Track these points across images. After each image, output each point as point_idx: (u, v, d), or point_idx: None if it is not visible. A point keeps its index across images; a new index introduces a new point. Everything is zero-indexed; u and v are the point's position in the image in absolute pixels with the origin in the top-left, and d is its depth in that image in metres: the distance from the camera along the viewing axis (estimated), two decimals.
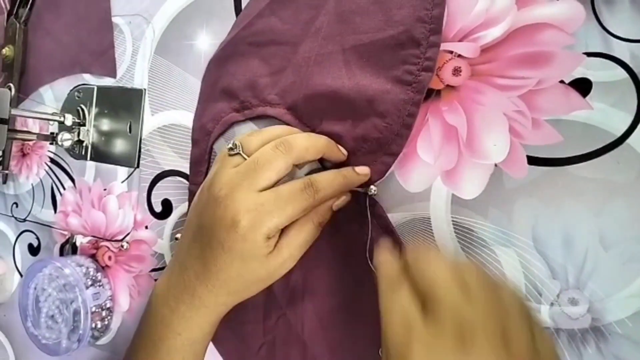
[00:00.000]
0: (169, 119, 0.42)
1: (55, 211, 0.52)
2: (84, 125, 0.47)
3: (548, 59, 0.28)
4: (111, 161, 0.47)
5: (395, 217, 0.33)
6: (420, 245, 0.32)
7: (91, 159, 0.48)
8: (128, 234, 0.45)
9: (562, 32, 0.27)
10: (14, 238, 0.56)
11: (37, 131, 0.52)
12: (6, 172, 0.56)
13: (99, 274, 0.46)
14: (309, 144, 0.31)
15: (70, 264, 0.45)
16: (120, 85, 0.46)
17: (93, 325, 0.44)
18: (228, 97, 0.38)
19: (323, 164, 0.34)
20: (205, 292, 0.31)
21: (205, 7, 0.40)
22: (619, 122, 0.27)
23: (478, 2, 0.29)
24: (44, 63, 0.53)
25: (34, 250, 0.54)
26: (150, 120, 0.44)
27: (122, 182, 0.46)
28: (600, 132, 0.27)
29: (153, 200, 0.44)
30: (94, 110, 0.47)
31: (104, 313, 0.45)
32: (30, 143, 0.54)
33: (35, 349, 0.48)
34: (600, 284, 0.27)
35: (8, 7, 0.55)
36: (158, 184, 0.43)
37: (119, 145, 0.46)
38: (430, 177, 0.31)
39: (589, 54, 0.27)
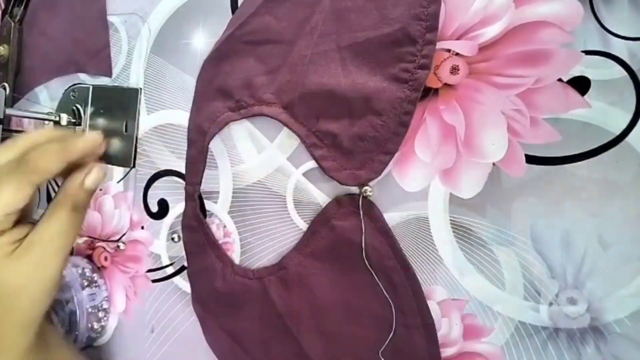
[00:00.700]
0: (165, 118, 0.42)
1: None
2: (79, 124, 0.47)
3: (546, 57, 0.28)
4: (107, 161, 0.46)
5: (392, 217, 0.32)
6: None
7: None
8: (124, 235, 0.45)
9: (561, 30, 0.27)
10: None
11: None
12: None
13: (95, 274, 0.46)
14: (37, 136, 0.28)
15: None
16: (116, 84, 0.46)
17: (89, 326, 0.44)
18: (223, 97, 0.38)
19: None
20: None
21: (201, 5, 0.40)
22: (618, 121, 0.26)
23: (476, 0, 0.29)
24: (39, 62, 0.52)
25: None
26: (146, 120, 0.43)
27: (118, 182, 0.46)
28: (599, 131, 0.27)
29: (149, 200, 0.43)
30: (89, 109, 0.47)
31: (100, 314, 0.45)
32: None
33: None
34: (599, 283, 0.27)
35: (3, 6, 0.55)
36: (154, 184, 0.43)
37: (115, 145, 0.45)
38: (428, 176, 0.31)
39: (588, 52, 0.27)
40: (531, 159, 0.28)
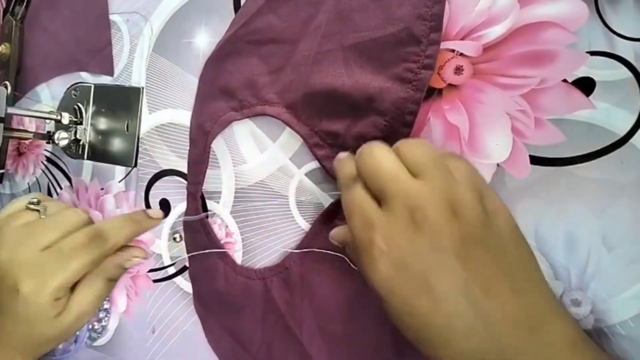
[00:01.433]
0: (167, 117, 0.42)
1: None
2: (81, 123, 0.47)
3: (551, 58, 0.28)
4: (108, 160, 0.46)
5: None
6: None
7: (88, 158, 0.47)
8: None
9: (565, 30, 0.27)
10: None
11: (33, 130, 0.52)
12: (2, 171, 0.55)
13: None
14: (120, 237, 0.30)
15: None
16: (118, 83, 0.46)
17: (90, 326, 0.44)
18: (226, 96, 0.37)
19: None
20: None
21: (203, 4, 0.40)
22: (623, 122, 0.26)
23: (480, 1, 0.29)
24: (40, 61, 0.52)
25: None
26: (148, 119, 0.43)
27: (120, 181, 0.46)
28: (604, 132, 0.27)
29: (151, 199, 0.43)
30: (91, 108, 0.47)
31: (101, 314, 0.45)
32: (27, 142, 0.54)
33: None
34: (603, 285, 0.27)
35: (4, 5, 0.55)
36: (156, 184, 0.43)
37: (117, 144, 0.45)
38: None
39: (592, 53, 0.27)
40: (535, 160, 0.28)
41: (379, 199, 0.25)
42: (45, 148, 0.52)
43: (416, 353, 0.32)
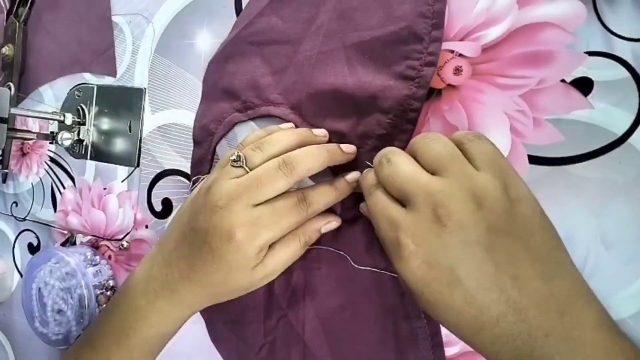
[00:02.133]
0: (169, 118, 0.42)
1: (55, 210, 0.52)
2: (83, 124, 0.47)
3: (549, 58, 0.28)
4: (111, 160, 0.46)
5: None
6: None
7: (91, 158, 0.48)
8: (128, 233, 0.45)
9: (563, 31, 0.27)
10: (14, 237, 0.56)
11: (36, 130, 0.52)
12: (6, 171, 0.55)
13: (97, 256, 0.46)
14: (311, 164, 0.30)
15: (68, 251, 0.45)
16: (121, 84, 0.46)
17: (99, 309, 0.44)
18: (230, 97, 0.38)
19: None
20: (186, 291, 0.31)
21: (205, 6, 0.40)
22: (621, 122, 0.27)
23: (479, 2, 0.29)
24: (43, 62, 0.52)
25: (33, 249, 0.54)
26: (151, 119, 0.44)
27: (122, 181, 0.46)
28: (602, 132, 0.27)
29: (153, 199, 0.44)
30: (94, 109, 0.47)
31: (109, 293, 0.45)
32: (30, 142, 0.54)
33: (35, 348, 0.48)
34: (601, 284, 0.27)
35: (8, 6, 0.55)
36: (158, 183, 0.43)
37: (119, 144, 0.46)
38: None
39: (591, 53, 0.27)
40: (534, 160, 0.29)
41: (402, 201, 0.26)
42: (49, 148, 0.52)
43: (417, 352, 0.32)
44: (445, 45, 0.30)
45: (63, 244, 0.51)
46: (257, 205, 0.29)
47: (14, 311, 0.55)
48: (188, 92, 0.41)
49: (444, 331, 0.32)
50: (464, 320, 0.23)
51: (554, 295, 0.23)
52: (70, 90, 0.49)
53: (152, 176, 0.44)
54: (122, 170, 0.46)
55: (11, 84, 0.44)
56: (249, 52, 0.37)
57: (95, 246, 0.48)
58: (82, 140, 0.47)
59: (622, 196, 0.27)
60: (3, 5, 0.56)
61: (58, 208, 0.51)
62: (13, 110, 0.43)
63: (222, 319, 0.38)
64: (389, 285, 0.32)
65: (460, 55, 0.30)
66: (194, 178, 0.40)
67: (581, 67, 0.27)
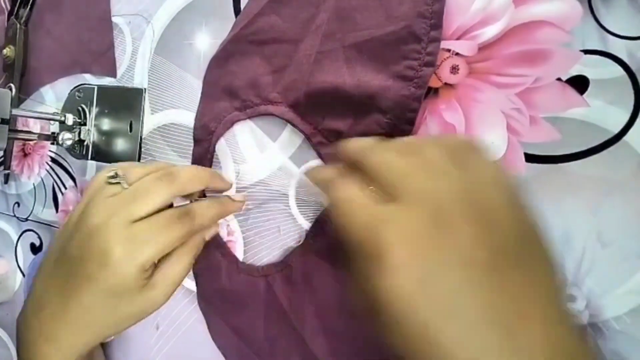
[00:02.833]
0: (168, 118, 0.43)
1: (56, 210, 0.52)
2: (84, 124, 0.47)
3: (545, 57, 0.28)
4: (112, 160, 0.47)
5: None
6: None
7: (92, 159, 0.48)
8: None
9: (559, 29, 0.28)
10: (16, 237, 0.56)
11: (38, 131, 0.53)
12: (8, 171, 0.56)
13: None
14: (192, 175, 0.30)
15: None
16: (121, 84, 0.46)
17: None
18: (230, 96, 0.38)
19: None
20: (64, 335, 0.28)
21: (204, 7, 0.41)
22: (616, 120, 0.27)
23: (475, 1, 0.30)
24: (44, 63, 0.53)
25: (36, 249, 0.54)
26: (151, 120, 0.44)
27: None
28: (598, 130, 0.27)
29: None
30: (94, 109, 0.47)
31: None
32: (32, 143, 0.54)
33: None
34: (598, 281, 0.28)
35: (9, 8, 0.55)
36: None
37: (120, 145, 0.46)
38: None
39: (586, 52, 0.27)
40: (530, 158, 0.29)
41: (385, 197, 0.21)
42: (50, 149, 0.53)
43: None
44: (442, 44, 0.30)
45: None
46: (137, 221, 0.27)
47: (17, 311, 0.55)
48: (187, 92, 0.41)
49: None
50: None
51: (555, 347, 0.18)
52: (71, 91, 0.49)
53: None
54: None
55: (12, 85, 0.44)
56: (249, 51, 0.37)
57: None
58: (83, 141, 0.48)
59: (618, 194, 0.27)
60: (4, 6, 0.56)
61: (60, 208, 0.52)
62: (14, 112, 0.43)
63: (221, 316, 0.39)
64: None
65: (457, 54, 0.30)
66: None
67: (577, 66, 0.27)
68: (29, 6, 0.53)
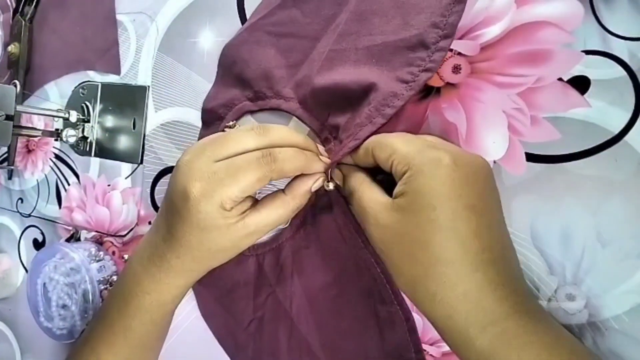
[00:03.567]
0: (172, 115, 0.43)
1: (59, 207, 0.52)
2: (88, 121, 0.48)
3: (547, 57, 0.28)
4: (115, 157, 0.47)
5: None
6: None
7: (95, 155, 0.48)
8: (132, 229, 0.46)
9: (561, 30, 0.28)
10: (19, 233, 0.57)
11: (42, 127, 0.53)
12: (11, 167, 0.56)
13: (101, 252, 0.47)
14: (287, 136, 0.30)
15: (72, 247, 0.46)
16: (124, 82, 0.46)
17: (102, 299, 0.45)
18: (242, 85, 0.38)
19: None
20: (172, 256, 0.31)
21: (208, 5, 0.41)
22: (617, 120, 0.27)
23: (478, 1, 0.30)
24: (49, 60, 0.53)
25: (38, 245, 0.55)
26: (154, 117, 0.44)
27: (126, 178, 0.46)
28: (598, 130, 0.27)
29: (156, 196, 0.44)
30: (98, 106, 0.48)
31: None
32: (35, 139, 0.55)
33: (41, 343, 0.49)
34: (597, 280, 0.28)
35: (14, 5, 0.56)
36: (161, 180, 0.44)
37: (123, 142, 0.46)
38: None
39: (588, 52, 0.27)
40: (531, 157, 0.29)
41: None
42: (54, 145, 0.53)
43: (394, 334, 0.32)
44: None
45: (68, 240, 0.51)
46: (218, 161, 0.28)
47: (20, 306, 0.56)
48: (191, 90, 0.42)
49: None
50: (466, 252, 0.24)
51: None
52: (75, 88, 0.50)
53: (156, 173, 0.44)
54: (125, 167, 0.46)
55: (17, 82, 0.45)
56: (265, 42, 0.37)
57: (99, 242, 0.49)
58: (87, 138, 0.48)
59: (618, 194, 0.27)
60: (9, 3, 0.56)
61: (63, 204, 0.52)
62: (19, 108, 0.43)
63: (212, 295, 0.39)
64: (364, 268, 0.33)
65: (459, 53, 0.30)
66: None
67: (578, 66, 0.28)
68: (34, 4, 0.54)
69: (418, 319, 0.33)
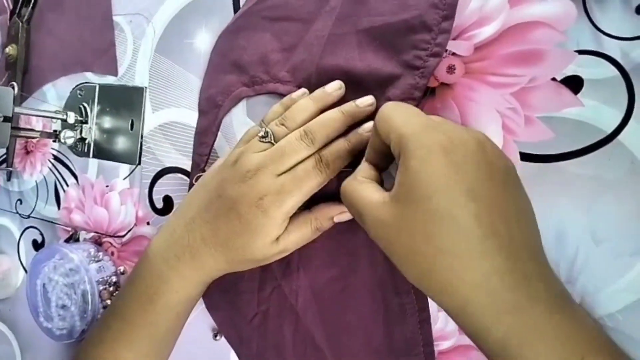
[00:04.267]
0: (169, 116, 0.43)
1: (58, 207, 0.52)
2: (86, 123, 0.48)
3: (540, 57, 0.28)
4: (113, 158, 0.47)
5: None
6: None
7: (93, 156, 0.49)
8: (130, 230, 0.46)
9: (554, 30, 0.28)
10: (19, 234, 0.57)
11: (40, 129, 0.53)
12: (10, 169, 0.56)
13: (100, 253, 0.47)
14: (329, 131, 0.32)
15: (71, 248, 0.46)
16: (122, 83, 0.47)
17: (103, 305, 0.45)
18: (238, 71, 0.38)
19: None
20: (207, 255, 0.33)
21: (204, 6, 0.41)
22: (610, 119, 0.27)
23: (472, 1, 0.30)
24: (46, 62, 0.53)
25: (38, 246, 0.55)
26: (152, 118, 0.44)
27: (124, 178, 0.47)
28: (591, 129, 0.27)
29: (154, 196, 0.44)
30: (96, 108, 0.48)
31: (111, 289, 0.46)
32: (34, 140, 0.55)
33: (41, 344, 0.49)
34: (591, 279, 0.28)
35: (11, 7, 0.56)
36: (159, 181, 0.44)
37: (121, 143, 0.46)
38: None
39: (581, 52, 0.28)
40: (525, 157, 0.29)
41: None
42: (52, 146, 0.53)
43: (404, 327, 0.33)
44: None
45: (67, 241, 0.51)
46: (281, 174, 0.31)
47: (19, 307, 0.56)
48: (188, 90, 0.42)
49: (437, 326, 0.32)
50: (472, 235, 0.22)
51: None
52: (73, 89, 0.50)
53: (153, 174, 0.44)
54: (124, 168, 0.47)
55: (15, 84, 0.45)
56: (260, 27, 0.37)
57: (98, 243, 0.49)
58: (85, 139, 0.48)
59: (611, 192, 0.27)
60: (6, 5, 0.56)
61: (62, 205, 0.52)
62: (17, 109, 0.43)
63: (217, 287, 0.39)
64: (380, 259, 0.33)
65: (454, 54, 0.31)
66: (196, 175, 0.40)
67: (571, 66, 0.28)
68: (31, 5, 0.54)
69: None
